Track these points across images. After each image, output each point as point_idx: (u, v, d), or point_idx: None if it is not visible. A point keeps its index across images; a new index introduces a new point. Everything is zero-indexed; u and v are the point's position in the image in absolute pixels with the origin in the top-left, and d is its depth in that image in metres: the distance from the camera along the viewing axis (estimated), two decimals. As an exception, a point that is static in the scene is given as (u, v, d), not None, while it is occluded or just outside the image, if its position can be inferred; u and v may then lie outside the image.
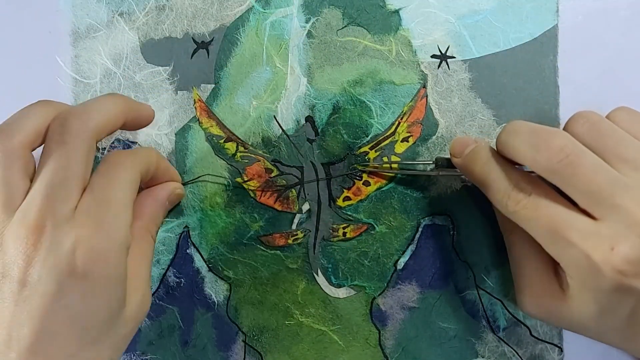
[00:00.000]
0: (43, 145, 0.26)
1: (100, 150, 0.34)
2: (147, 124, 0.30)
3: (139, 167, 0.28)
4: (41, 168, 0.25)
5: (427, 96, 0.33)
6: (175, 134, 0.34)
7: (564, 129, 0.26)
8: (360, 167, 0.33)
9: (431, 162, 0.32)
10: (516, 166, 0.27)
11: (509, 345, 0.33)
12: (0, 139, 0.25)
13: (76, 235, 0.24)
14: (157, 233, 0.30)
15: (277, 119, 0.33)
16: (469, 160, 0.28)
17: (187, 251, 0.34)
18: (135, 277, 0.27)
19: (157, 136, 0.34)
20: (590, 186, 0.24)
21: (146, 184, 0.30)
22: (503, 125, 0.32)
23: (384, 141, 0.33)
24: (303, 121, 0.33)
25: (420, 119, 0.33)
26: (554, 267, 0.28)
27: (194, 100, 0.34)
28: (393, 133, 0.33)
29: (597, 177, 0.24)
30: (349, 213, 0.33)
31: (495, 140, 0.28)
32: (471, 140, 0.29)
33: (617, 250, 0.23)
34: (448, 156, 0.30)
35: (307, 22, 0.33)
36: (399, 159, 0.32)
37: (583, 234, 0.24)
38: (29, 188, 0.25)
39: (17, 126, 0.26)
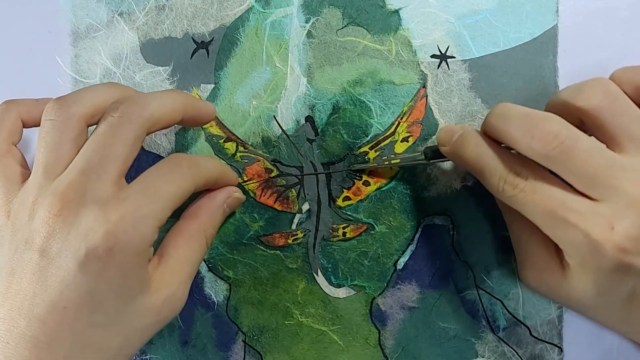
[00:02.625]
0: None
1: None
2: (207, 122, 0.30)
3: (195, 180, 0.27)
4: (87, 144, 0.25)
5: (427, 96, 0.33)
6: (175, 134, 0.34)
7: (577, 92, 0.26)
8: (355, 168, 0.33)
9: (419, 153, 0.31)
10: (506, 148, 0.27)
11: (508, 345, 0.33)
12: (60, 105, 0.26)
13: (103, 217, 0.24)
14: (212, 237, 0.30)
15: (277, 119, 0.33)
16: (458, 147, 0.28)
17: (187, 251, 0.34)
18: (171, 273, 0.27)
19: (157, 136, 0.34)
20: (587, 170, 0.24)
21: (203, 187, 0.30)
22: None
23: (383, 141, 0.33)
24: (303, 121, 0.33)
25: (420, 119, 0.33)
26: (555, 244, 0.27)
27: (194, 100, 0.34)
28: (393, 133, 0.33)
29: (593, 160, 0.24)
30: (348, 213, 0.33)
31: (481, 125, 0.28)
32: (457, 128, 0.29)
33: (617, 229, 0.23)
34: (436, 145, 0.30)
35: (307, 22, 0.33)
36: (404, 161, 0.32)
37: (582, 215, 0.24)
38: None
39: (79, 98, 0.26)
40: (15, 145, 0.29)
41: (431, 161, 0.31)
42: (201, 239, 0.29)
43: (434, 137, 0.33)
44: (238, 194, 0.31)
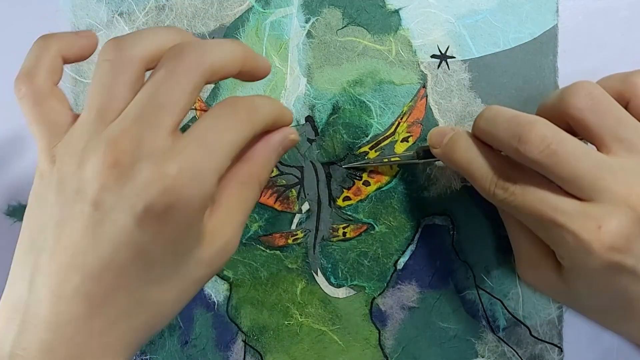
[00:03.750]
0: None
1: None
2: (263, 77, 0.27)
3: (254, 125, 0.25)
4: (142, 90, 0.23)
5: (427, 96, 0.33)
6: (175, 134, 0.34)
7: (562, 96, 0.26)
8: (350, 166, 0.32)
9: (412, 152, 0.31)
10: (496, 151, 0.27)
11: (508, 345, 0.33)
12: (119, 46, 0.24)
13: (159, 171, 0.22)
14: (266, 182, 0.28)
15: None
16: (448, 150, 0.28)
17: (187, 251, 0.34)
18: (224, 222, 0.25)
19: (157, 136, 0.34)
20: (574, 172, 0.24)
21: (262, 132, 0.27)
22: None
23: (383, 141, 0.33)
24: (303, 121, 0.33)
25: (420, 119, 0.33)
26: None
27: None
28: (393, 133, 0.33)
29: (580, 163, 0.24)
30: (348, 213, 0.33)
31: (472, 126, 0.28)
32: (448, 129, 0.29)
33: (604, 229, 0.23)
34: (425, 146, 0.30)
35: (306, 22, 0.33)
36: (398, 159, 0.32)
37: (570, 216, 0.24)
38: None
39: (139, 39, 0.24)
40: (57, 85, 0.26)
41: (422, 161, 0.31)
42: (255, 184, 0.27)
43: (434, 137, 0.33)
44: (294, 135, 0.28)
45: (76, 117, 0.25)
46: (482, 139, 0.27)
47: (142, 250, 0.22)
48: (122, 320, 0.23)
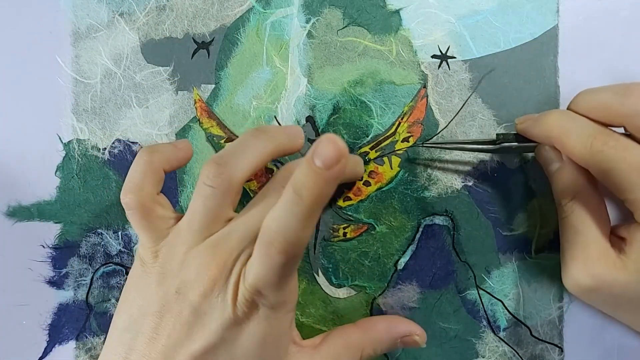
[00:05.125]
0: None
1: (101, 150, 0.34)
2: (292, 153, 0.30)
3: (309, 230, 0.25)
4: (252, 212, 0.26)
5: (427, 96, 0.33)
6: (176, 134, 0.34)
7: (625, 95, 0.27)
8: (427, 145, 0.32)
9: (493, 139, 0.31)
10: None
11: (509, 346, 0.33)
12: (220, 172, 0.26)
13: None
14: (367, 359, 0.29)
15: (277, 119, 0.33)
16: (541, 119, 0.29)
17: (188, 251, 0.34)
18: None
19: (157, 136, 0.34)
20: None
21: None
22: (504, 125, 0.32)
23: (384, 141, 0.33)
24: (303, 121, 0.33)
25: (421, 119, 0.33)
26: (613, 234, 0.28)
27: (195, 100, 0.34)
28: (393, 133, 0.33)
29: None
30: (349, 213, 0.33)
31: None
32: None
33: None
34: (505, 132, 0.31)
35: (307, 22, 0.33)
36: (399, 159, 0.32)
37: None
38: (230, 219, 0.27)
39: (238, 162, 0.27)
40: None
41: (499, 146, 0.30)
42: (356, 355, 0.28)
43: (434, 137, 0.32)
44: (420, 339, 0.29)
45: (179, 217, 0.28)
46: (578, 111, 0.28)
47: (225, 352, 0.25)
48: None
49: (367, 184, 0.33)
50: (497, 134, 0.31)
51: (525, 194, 0.32)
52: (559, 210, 0.30)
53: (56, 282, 0.34)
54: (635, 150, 0.26)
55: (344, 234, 0.33)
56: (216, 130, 0.33)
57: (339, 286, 0.33)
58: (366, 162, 0.33)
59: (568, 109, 0.29)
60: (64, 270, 0.34)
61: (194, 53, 0.34)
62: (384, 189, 0.33)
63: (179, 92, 0.34)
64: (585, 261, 0.28)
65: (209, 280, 0.25)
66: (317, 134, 0.33)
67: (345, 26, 0.33)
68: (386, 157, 0.32)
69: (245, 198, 0.33)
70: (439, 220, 0.33)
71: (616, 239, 0.28)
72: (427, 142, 0.32)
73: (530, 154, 0.32)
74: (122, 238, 0.34)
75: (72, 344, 0.34)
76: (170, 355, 0.25)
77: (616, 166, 0.26)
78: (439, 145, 0.32)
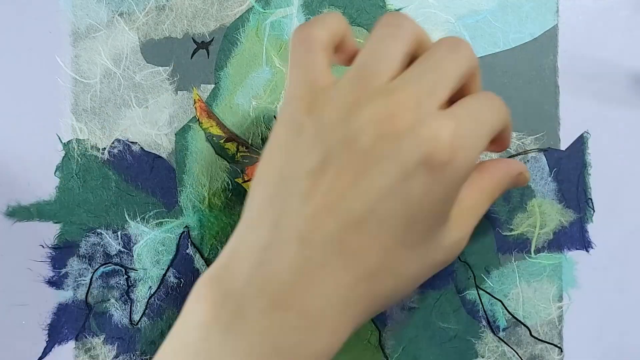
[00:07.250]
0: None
1: (100, 150, 0.34)
2: None
3: (504, 121, 0.25)
4: (423, 61, 0.23)
5: (427, 96, 0.32)
6: (175, 134, 0.34)
7: None
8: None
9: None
10: None
11: (509, 346, 0.33)
12: (397, 17, 0.24)
13: (440, 128, 0.21)
14: (494, 200, 0.27)
15: (277, 119, 0.33)
16: None
17: (187, 251, 0.34)
18: (463, 216, 0.25)
19: (157, 136, 0.34)
20: None
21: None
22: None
23: (384, 141, 0.33)
24: (303, 121, 0.33)
25: (420, 119, 0.33)
26: None
27: (194, 100, 0.34)
28: (393, 133, 0.33)
29: None
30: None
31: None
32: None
33: None
34: None
35: (307, 22, 0.33)
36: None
37: None
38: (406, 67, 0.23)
39: (413, 22, 0.24)
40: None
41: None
42: (490, 197, 0.26)
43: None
44: (528, 175, 0.28)
45: (336, 81, 0.24)
46: None
47: (408, 204, 0.21)
48: (365, 281, 0.22)
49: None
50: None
51: (525, 194, 0.32)
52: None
53: (55, 282, 0.34)
54: None
55: (344, 234, 0.33)
56: (216, 130, 0.33)
57: (339, 286, 0.33)
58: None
59: None
60: (63, 270, 0.34)
61: (193, 53, 0.34)
62: (383, 189, 0.33)
63: (178, 92, 0.34)
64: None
65: (388, 119, 0.21)
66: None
67: (345, 26, 0.33)
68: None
69: (241, 198, 0.33)
70: (438, 220, 0.33)
71: None
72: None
73: (530, 154, 0.32)
74: (121, 238, 0.34)
75: (71, 344, 0.34)
76: (337, 210, 0.21)
77: None
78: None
